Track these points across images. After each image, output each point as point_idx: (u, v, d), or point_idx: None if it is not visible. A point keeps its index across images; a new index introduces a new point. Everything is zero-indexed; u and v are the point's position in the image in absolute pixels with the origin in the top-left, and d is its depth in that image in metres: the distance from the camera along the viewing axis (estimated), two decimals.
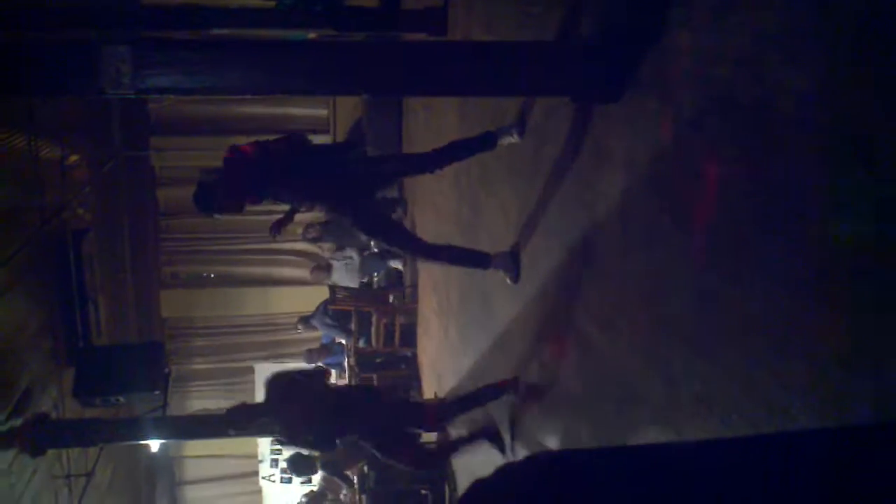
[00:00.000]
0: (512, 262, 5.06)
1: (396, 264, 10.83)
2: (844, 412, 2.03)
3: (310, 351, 11.90)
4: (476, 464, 6.09)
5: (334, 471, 10.21)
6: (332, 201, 5.02)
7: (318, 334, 12.11)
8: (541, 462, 1.17)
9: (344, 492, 11.17)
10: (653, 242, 3.15)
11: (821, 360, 2.12)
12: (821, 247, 2.14)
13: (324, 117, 12.81)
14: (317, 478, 11.20)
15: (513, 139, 4.82)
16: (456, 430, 6.96)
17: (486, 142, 4.94)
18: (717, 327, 2.64)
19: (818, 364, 2.13)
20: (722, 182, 2.62)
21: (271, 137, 5.01)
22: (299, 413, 5.27)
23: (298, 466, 10.65)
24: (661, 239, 3.05)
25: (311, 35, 7.51)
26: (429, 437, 8.16)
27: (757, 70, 2.42)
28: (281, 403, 5.33)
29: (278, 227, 5.45)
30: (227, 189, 4.76)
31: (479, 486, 1.05)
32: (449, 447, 6.50)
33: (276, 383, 5.49)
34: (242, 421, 5.46)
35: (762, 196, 2.39)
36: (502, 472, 1.06)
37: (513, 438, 5.46)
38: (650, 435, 3.14)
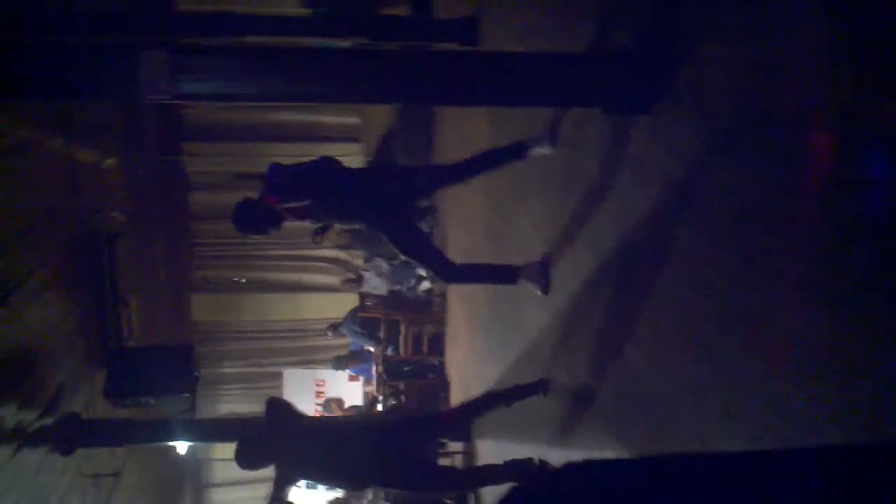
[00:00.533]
0: (541, 274, 5.05)
1: (425, 283, 10.81)
2: (873, 429, 2.02)
3: (338, 358, 11.95)
4: None
5: None
6: (368, 219, 5.06)
7: (347, 341, 12.15)
8: (584, 470, 1.17)
9: (369, 498, 11.17)
10: (685, 255, 3.13)
11: (850, 375, 2.11)
12: (850, 261, 2.12)
13: (355, 125, 12.87)
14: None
15: (544, 150, 4.82)
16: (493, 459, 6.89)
17: (516, 152, 4.95)
18: (750, 343, 2.62)
19: (849, 380, 2.11)
20: (753, 194, 2.60)
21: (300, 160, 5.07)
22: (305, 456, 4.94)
23: None
24: (694, 252, 3.04)
25: (345, 44, 7.56)
26: (455, 447, 8.18)
27: (792, 80, 2.41)
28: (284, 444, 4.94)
29: (321, 235, 5.52)
30: (268, 210, 4.85)
31: (517, 493, 1.05)
32: (485, 476, 6.23)
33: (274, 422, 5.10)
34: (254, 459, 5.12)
35: (796, 211, 2.38)
36: (541, 478, 1.05)
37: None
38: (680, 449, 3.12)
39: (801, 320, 2.32)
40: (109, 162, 9.56)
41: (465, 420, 5.84)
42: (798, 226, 2.37)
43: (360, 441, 5.03)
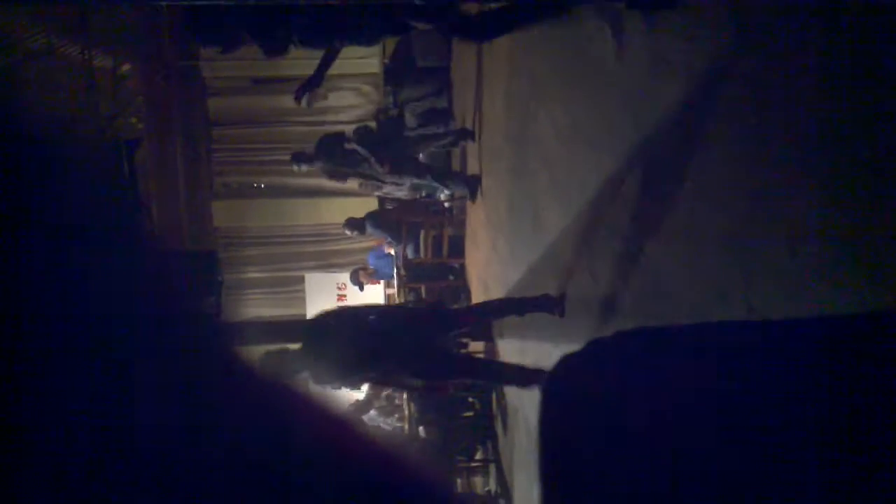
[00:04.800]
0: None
1: (446, 191, 10.75)
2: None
3: (356, 271, 11.89)
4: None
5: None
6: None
7: (368, 244, 12.20)
8: (636, 335, 1.17)
9: (387, 391, 11.33)
10: (708, 152, 3.11)
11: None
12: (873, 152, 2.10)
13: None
14: (365, 387, 11.39)
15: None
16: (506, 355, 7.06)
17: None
18: (773, 237, 2.61)
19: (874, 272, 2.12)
20: (786, 91, 2.56)
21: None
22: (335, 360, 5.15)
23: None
24: (717, 149, 3.01)
25: None
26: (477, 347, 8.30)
27: None
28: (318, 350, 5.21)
29: (303, 92, 5.40)
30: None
31: (569, 358, 1.05)
32: (499, 371, 6.50)
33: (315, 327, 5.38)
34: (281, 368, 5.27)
35: (826, 109, 2.34)
36: (593, 345, 1.06)
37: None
38: None
39: (825, 214, 2.32)
40: (127, 67, 9.51)
41: (480, 320, 5.94)
42: (826, 121, 2.34)
43: (378, 328, 5.19)
